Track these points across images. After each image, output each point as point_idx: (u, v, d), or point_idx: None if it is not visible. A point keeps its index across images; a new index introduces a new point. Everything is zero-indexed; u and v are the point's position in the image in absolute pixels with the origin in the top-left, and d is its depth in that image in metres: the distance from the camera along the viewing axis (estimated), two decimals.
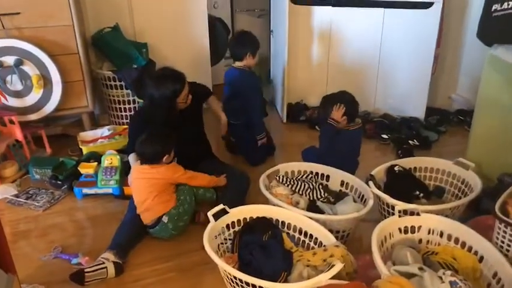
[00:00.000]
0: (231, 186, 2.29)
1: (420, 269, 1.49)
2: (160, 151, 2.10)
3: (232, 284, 1.64)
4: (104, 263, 1.86)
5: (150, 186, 2.07)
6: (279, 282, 1.64)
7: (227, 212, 1.88)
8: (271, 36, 3.77)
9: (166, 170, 2.10)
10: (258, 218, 1.96)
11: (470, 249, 1.70)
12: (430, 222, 1.82)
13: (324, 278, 1.51)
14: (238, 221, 1.94)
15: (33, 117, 2.86)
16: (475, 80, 3.12)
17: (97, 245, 2.08)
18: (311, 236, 1.89)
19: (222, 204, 1.89)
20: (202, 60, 3.53)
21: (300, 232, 1.93)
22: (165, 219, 2.06)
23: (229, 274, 1.60)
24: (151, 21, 3.29)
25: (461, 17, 3.35)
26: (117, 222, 2.15)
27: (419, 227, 1.83)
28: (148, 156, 2.10)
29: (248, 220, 1.95)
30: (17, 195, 2.50)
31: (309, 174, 2.35)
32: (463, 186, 2.24)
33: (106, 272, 1.85)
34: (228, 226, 1.91)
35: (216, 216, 1.84)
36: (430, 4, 3.08)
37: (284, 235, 1.90)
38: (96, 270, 1.83)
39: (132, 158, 2.28)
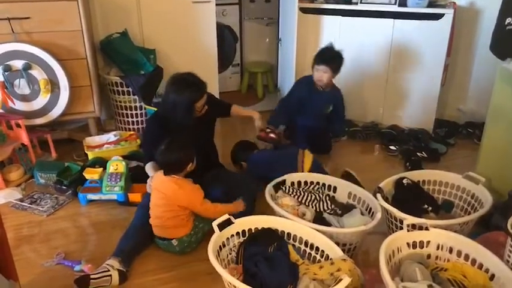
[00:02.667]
0: (243, 194, 2.24)
1: (429, 286, 1.46)
2: (184, 159, 2.02)
3: None
4: (108, 270, 1.84)
5: (168, 205, 2.00)
6: None
7: (232, 222, 1.86)
8: (279, 44, 3.76)
9: (191, 191, 2.01)
10: (263, 229, 1.93)
11: (480, 266, 1.66)
12: (440, 237, 1.78)
13: None
14: (243, 231, 1.91)
15: (39, 121, 2.86)
16: (485, 92, 3.09)
17: (100, 251, 2.06)
18: (317, 248, 1.86)
19: (227, 214, 1.87)
20: (210, 67, 3.52)
21: (306, 244, 1.90)
22: (174, 242, 2.02)
23: (234, 286, 1.57)
24: (159, 27, 3.30)
25: (472, 28, 3.32)
26: (121, 229, 2.13)
27: (428, 242, 1.79)
28: (173, 165, 2.01)
29: (253, 231, 1.92)
30: (21, 200, 2.49)
31: (315, 185, 2.32)
32: (473, 201, 2.20)
33: (110, 279, 1.83)
34: (232, 236, 1.88)
35: (221, 226, 1.81)
36: (441, 15, 3.06)
37: (290, 247, 1.87)
38: (101, 277, 1.81)
39: (149, 167, 2.24)
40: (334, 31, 3.32)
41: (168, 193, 2.00)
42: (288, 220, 1.95)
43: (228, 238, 1.86)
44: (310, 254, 1.88)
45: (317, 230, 1.86)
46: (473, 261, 1.69)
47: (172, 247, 2.04)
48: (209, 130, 2.51)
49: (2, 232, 1.34)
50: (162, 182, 2.03)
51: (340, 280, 1.53)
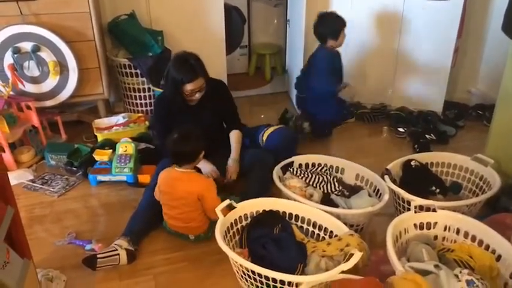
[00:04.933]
0: (256, 172, 2.24)
1: (436, 266, 1.47)
2: (197, 148, 1.99)
3: (249, 279, 1.62)
4: (116, 249, 1.87)
5: (190, 205, 1.97)
6: (297, 274, 1.63)
7: (234, 207, 1.86)
8: (287, 26, 3.72)
9: (206, 184, 1.98)
10: (265, 211, 1.94)
11: (487, 247, 1.67)
12: (447, 218, 1.79)
13: (346, 267, 1.50)
14: (245, 215, 1.92)
15: (49, 103, 2.88)
16: (496, 74, 3.05)
17: (110, 231, 2.09)
18: (320, 226, 1.88)
19: (228, 200, 1.87)
20: (218, 49, 3.49)
21: (309, 223, 1.92)
22: (191, 237, 2.03)
23: (246, 269, 1.58)
24: (167, 9, 3.27)
25: (485, 8, 3.26)
26: (130, 209, 2.16)
27: (435, 224, 1.80)
28: (186, 155, 1.98)
29: (255, 214, 1.93)
30: (33, 181, 2.53)
31: (323, 167, 2.33)
32: (481, 182, 2.20)
33: (118, 258, 1.86)
34: (235, 221, 1.89)
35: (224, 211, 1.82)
36: None
37: (294, 227, 1.89)
38: (109, 256, 1.85)
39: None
40: (343, 12, 3.25)
41: (188, 195, 1.96)
42: (290, 201, 1.97)
43: (231, 223, 1.87)
44: (313, 232, 1.91)
45: (324, 211, 1.87)
46: (480, 243, 1.70)
47: (186, 238, 2.05)
48: (214, 118, 2.41)
49: (15, 212, 1.36)
50: (179, 190, 1.98)
51: (352, 255, 1.55)
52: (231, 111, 2.48)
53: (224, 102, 2.42)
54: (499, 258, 1.62)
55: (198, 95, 2.22)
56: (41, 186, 2.48)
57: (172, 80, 2.18)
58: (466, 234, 1.75)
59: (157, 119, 2.41)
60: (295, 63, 3.45)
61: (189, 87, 2.16)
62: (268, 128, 2.63)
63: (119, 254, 1.86)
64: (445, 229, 1.80)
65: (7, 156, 2.55)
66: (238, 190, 2.26)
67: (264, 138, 2.58)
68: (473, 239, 1.72)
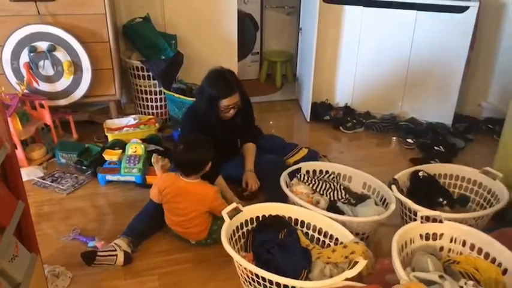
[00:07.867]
0: (272, 176, 2.25)
1: (441, 277, 1.46)
2: (204, 159, 1.99)
3: (253, 283, 1.62)
4: (115, 250, 1.89)
5: (193, 211, 1.98)
6: (301, 280, 1.63)
7: (241, 211, 1.87)
8: (299, 34, 3.75)
9: (215, 194, 1.99)
10: (270, 216, 1.94)
11: (493, 260, 1.66)
12: (453, 230, 1.78)
13: (350, 274, 1.51)
14: (251, 219, 1.92)
15: (62, 102, 2.93)
16: (507, 88, 3.04)
17: (116, 231, 2.10)
18: (325, 233, 1.88)
19: (235, 203, 1.89)
20: (230, 55, 3.53)
21: (314, 230, 1.92)
22: (192, 241, 2.05)
23: (251, 273, 1.58)
24: (181, 13, 3.32)
25: (497, 21, 3.25)
26: (137, 210, 2.17)
27: (442, 235, 1.79)
28: (193, 165, 1.98)
29: (261, 218, 1.94)
30: (43, 178, 2.56)
31: (330, 175, 2.33)
32: (489, 196, 2.18)
33: (115, 259, 1.87)
34: (241, 225, 1.89)
35: (230, 215, 1.82)
36: (466, 8, 3.00)
37: (299, 233, 1.89)
38: (107, 255, 1.86)
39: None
40: (356, 21, 3.28)
41: (198, 207, 1.98)
42: (296, 207, 1.97)
43: (237, 226, 1.87)
44: (318, 238, 1.91)
45: (330, 218, 1.87)
46: (486, 255, 1.69)
47: (188, 242, 2.07)
48: (239, 129, 2.44)
49: (25, 207, 1.38)
50: (186, 202, 1.99)
51: (356, 263, 1.56)
52: (250, 123, 2.51)
53: (246, 113, 2.43)
54: (505, 272, 1.60)
55: (232, 111, 2.24)
56: (50, 183, 2.52)
57: (208, 95, 2.19)
58: (472, 247, 1.74)
59: (188, 132, 2.36)
60: (306, 71, 3.47)
61: (225, 102, 2.18)
62: (295, 153, 2.60)
63: (116, 255, 1.88)
64: (451, 241, 1.79)
65: (19, 153, 2.59)
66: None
67: (294, 158, 2.57)
68: (480, 251, 1.71)
